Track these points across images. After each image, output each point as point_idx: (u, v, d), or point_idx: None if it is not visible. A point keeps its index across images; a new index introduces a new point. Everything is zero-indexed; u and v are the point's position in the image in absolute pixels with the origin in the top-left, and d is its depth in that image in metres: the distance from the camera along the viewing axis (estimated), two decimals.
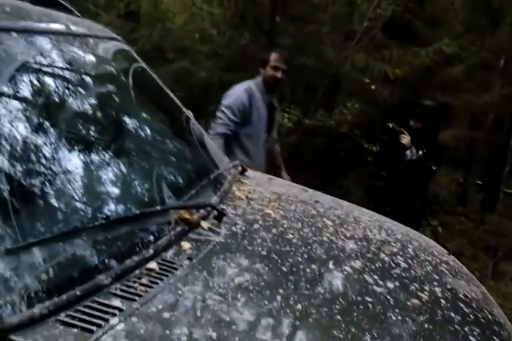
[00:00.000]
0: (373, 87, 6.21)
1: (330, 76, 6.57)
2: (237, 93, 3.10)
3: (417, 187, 3.56)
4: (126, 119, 1.59)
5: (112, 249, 1.00)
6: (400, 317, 1.15)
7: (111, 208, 1.11)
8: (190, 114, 2.10)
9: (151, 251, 1.05)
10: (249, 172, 1.99)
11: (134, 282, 0.95)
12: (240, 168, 1.91)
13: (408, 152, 3.39)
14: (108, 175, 1.22)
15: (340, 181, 7.69)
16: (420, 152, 3.39)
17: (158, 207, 1.14)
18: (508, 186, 8.18)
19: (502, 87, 7.68)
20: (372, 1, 7.75)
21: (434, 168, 3.50)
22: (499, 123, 8.83)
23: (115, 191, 1.20)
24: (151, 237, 1.10)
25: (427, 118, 3.48)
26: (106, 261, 0.96)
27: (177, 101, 2.02)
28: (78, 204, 1.04)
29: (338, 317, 1.07)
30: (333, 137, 7.12)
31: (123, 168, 1.29)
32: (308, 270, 1.24)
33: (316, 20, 7.71)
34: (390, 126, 3.46)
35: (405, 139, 3.38)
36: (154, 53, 6.48)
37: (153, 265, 1.02)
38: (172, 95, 2.02)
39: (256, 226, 1.41)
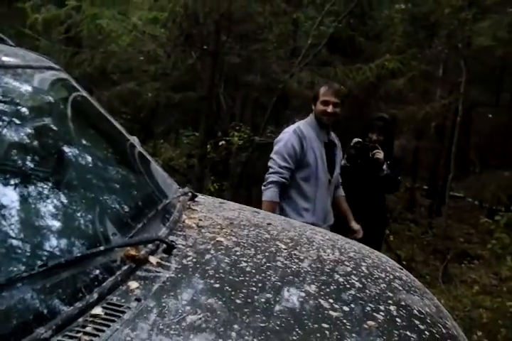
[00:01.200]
0: None
1: (277, 93, 6.67)
2: (285, 137, 2.90)
3: (384, 199, 3.63)
4: (66, 150, 1.54)
5: (52, 297, 0.93)
6: None
7: (49, 252, 1.05)
8: (135, 140, 2.05)
9: (96, 295, 0.99)
10: (200, 198, 1.96)
11: (78, 332, 0.90)
12: (189, 194, 1.88)
13: (385, 166, 3.42)
14: (46, 213, 1.16)
15: None
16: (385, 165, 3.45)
17: (102, 247, 1.09)
18: (453, 189, 8.51)
19: (441, 97, 8.01)
20: (315, 19, 7.97)
21: (399, 178, 3.59)
22: (441, 131, 9.21)
23: (54, 232, 1.14)
24: (95, 280, 1.04)
25: (388, 130, 3.55)
26: (45, 311, 0.90)
27: (121, 129, 1.97)
28: (11, 249, 0.97)
29: None
30: None
31: (62, 205, 1.23)
32: (262, 300, 1.21)
33: (262, 38, 7.84)
34: (361, 141, 3.45)
35: (380, 154, 3.38)
36: (98, 76, 6.37)
37: (98, 310, 0.96)
38: (115, 122, 1.97)
39: (208, 256, 1.38)
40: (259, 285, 1.29)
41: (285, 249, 1.59)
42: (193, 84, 7.86)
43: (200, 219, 1.67)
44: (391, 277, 1.62)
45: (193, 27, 6.15)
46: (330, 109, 2.88)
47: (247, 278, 1.31)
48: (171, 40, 6.02)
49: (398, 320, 1.31)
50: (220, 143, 6.54)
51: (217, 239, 1.52)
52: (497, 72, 10.20)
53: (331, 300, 1.30)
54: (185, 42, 6.33)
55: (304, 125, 2.93)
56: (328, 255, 1.64)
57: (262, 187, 2.86)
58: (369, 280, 1.53)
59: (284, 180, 2.82)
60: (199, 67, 7.11)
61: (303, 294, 1.30)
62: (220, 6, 5.27)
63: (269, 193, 2.80)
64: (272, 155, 2.89)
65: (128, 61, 6.68)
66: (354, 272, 1.55)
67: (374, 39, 8.86)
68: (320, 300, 1.29)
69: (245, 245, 1.54)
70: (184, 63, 6.74)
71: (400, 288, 1.55)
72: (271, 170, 2.85)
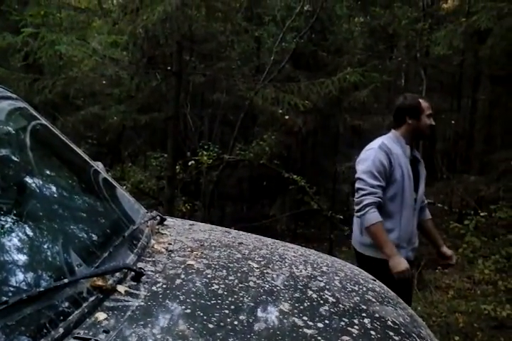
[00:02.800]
0: (287, 117, 6.42)
1: (244, 110, 6.72)
2: (371, 154, 2.65)
3: None
4: (27, 180, 1.50)
5: (14, 335, 0.90)
6: None
7: (11, 287, 1.02)
8: (100, 166, 2.03)
9: (61, 330, 0.96)
10: (169, 221, 1.94)
11: None
12: (158, 218, 1.86)
13: None
14: (7, 247, 1.13)
15: (267, 210, 7.78)
16: None
17: (66, 280, 1.06)
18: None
19: None
20: (277, 36, 8.11)
21: None
22: None
23: (16, 265, 1.10)
24: (61, 314, 1.01)
25: None
26: None
27: (83, 155, 1.94)
28: None
29: None
30: (254, 169, 7.23)
31: (24, 238, 1.20)
32: (236, 323, 1.20)
33: (225, 56, 7.92)
34: None
35: None
36: (61, 102, 6.30)
37: None
38: (77, 149, 1.94)
39: (178, 281, 1.36)
40: (232, 307, 1.27)
41: (257, 268, 1.58)
42: (159, 106, 7.85)
43: (170, 243, 1.65)
44: (364, 289, 1.63)
45: (154, 48, 6.17)
46: (433, 121, 2.75)
47: (219, 301, 1.29)
48: (133, 63, 6.01)
49: (373, 332, 1.31)
50: (190, 163, 6.51)
51: (187, 262, 1.50)
52: (456, 79, 10.53)
53: (305, 318, 1.29)
54: (148, 64, 6.34)
55: (388, 141, 2.71)
56: (301, 271, 1.64)
57: (357, 214, 2.62)
58: (342, 294, 1.53)
59: (380, 200, 2.58)
60: (164, 88, 7.11)
61: (277, 313, 1.30)
62: (181, 26, 5.31)
63: (371, 216, 2.55)
64: (360, 175, 2.63)
65: (91, 85, 6.62)
66: (327, 287, 1.55)
67: (336, 53, 9.08)
68: (294, 318, 1.28)
69: (217, 267, 1.52)
70: (148, 85, 6.73)
71: (374, 299, 1.56)
72: (363, 192, 2.58)
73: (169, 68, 6.25)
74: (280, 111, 6.33)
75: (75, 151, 1.89)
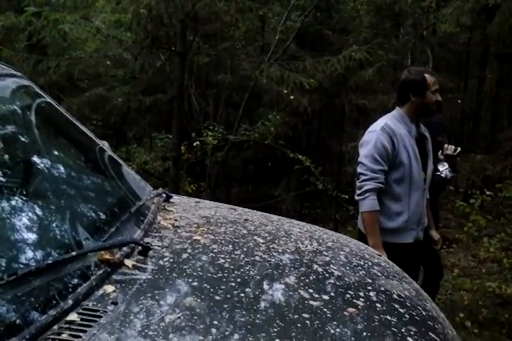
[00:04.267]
0: (292, 97, 6.37)
1: (249, 90, 6.68)
2: (373, 137, 2.54)
3: None
4: (32, 157, 1.51)
5: (25, 306, 0.92)
6: (338, 330, 1.15)
7: (21, 259, 1.03)
8: (105, 144, 2.03)
9: (70, 302, 0.98)
10: (175, 198, 1.94)
11: (53, 339, 0.88)
12: (164, 195, 1.86)
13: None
14: (16, 221, 1.14)
15: (272, 191, 7.80)
16: None
17: (74, 253, 1.07)
18: None
19: None
20: (281, 15, 7.99)
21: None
22: None
23: (25, 239, 1.11)
24: (69, 286, 1.03)
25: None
26: (18, 321, 0.88)
27: (89, 133, 1.94)
28: None
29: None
30: (259, 149, 7.21)
31: (32, 213, 1.21)
32: (242, 295, 1.21)
33: (229, 36, 7.83)
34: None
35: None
36: (66, 84, 6.28)
37: (73, 316, 0.95)
38: (83, 127, 1.94)
39: (185, 255, 1.37)
40: (238, 280, 1.29)
41: (263, 243, 1.59)
42: (163, 86, 7.81)
43: (176, 220, 1.66)
44: (369, 264, 1.63)
45: (158, 28, 6.10)
46: (439, 97, 2.61)
47: (225, 275, 1.30)
48: (137, 43, 5.96)
49: (378, 305, 1.32)
50: (195, 144, 6.51)
51: (193, 238, 1.52)
52: (463, 59, 10.39)
53: (310, 291, 1.31)
54: (152, 45, 6.28)
55: (391, 120, 2.58)
56: (307, 246, 1.65)
57: (357, 197, 2.56)
58: (348, 268, 1.54)
59: (381, 186, 2.50)
60: (168, 68, 7.06)
61: (282, 286, 1.31)
62: (184, 5, 5.24)
63: (368, 202, 2.50)
64: (361, 159, 2.55)
65: (95, 66, 6.60)
66: (333, 261, 1.56)
67: (341, 32, 8.95)
68: (300, 291, 1.30)
69: (223, 242, 1.53)
70: (152, 65, 6.68)
71: (379, 274, 1.57)
72: (364, 177, 2.51)
73: (173, 48, 6.20)
74: (285, 91, 6.29)
75: (80, 129, 1.89)
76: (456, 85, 10.26)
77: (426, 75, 2.59)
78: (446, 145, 3.32)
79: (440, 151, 3.33)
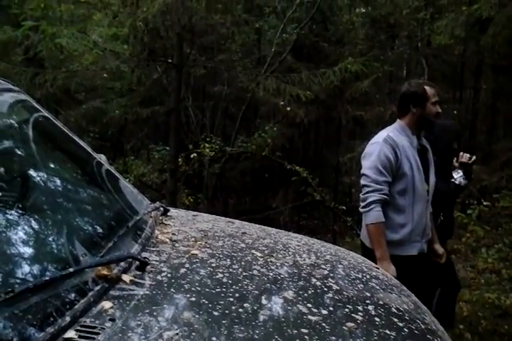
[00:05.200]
0: (288, 108, 6.40)
1: (246, 102, 6.71)
2: (376, 148, 2.55)
3: None
4: (30, 172, 1.51)
5: (22, 324, 0.91)
6: None
7: (18, 276, 1.02)
8: (102, 158, 2.03)
9: (68, 319, 0.97)
10: (173, 212, 1.94)
11: None
12: (161, 209, 1.86)
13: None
14: (13, 238, 1.14)
15: (270, 202, 7.80)
16: None
17: (71, 269, 1.06)
18: None
19: None
20: (277, 27, 8.07)
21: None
22: None
23: (22, 256, 1.11)
24: (67, 303, 1.02)
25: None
26: (16, 338, 0.87)
27: (86, 147, 1.94)
28: None
29: None
30: (257, 161, 7.22)
31: (29, 229, 1.21)
32: (241, 310, 1.20)
33: (226, 49, 7.89)
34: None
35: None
36: (63, 96, 6.30)
37: (71, 334, 0.94)
38: (80, 141, 1.94)
39: (183, 270, 1.36)
40: (237, 295, 1.28)
41: (261, 257, 1.59)
42: (161, 98, 7.84)
43: (174, 234, 1.66)
44: (368, 277, 1.63)
45: (155, 41, 6.15)
46: (439, 108, 2.64)
47: (223, 290, 1.30)
48: (134, 56, 6.00)
49: (377, 319, 1.32)
50: (192, 156, 6.52)
51: (191, 252, 1.51)
52: (458, 70, 10.47)
53: (309, 305, 1.30)
54: (149, 57, 6.32)
55: (393, 132, 2.60)
56: (305, 260, 1.64)
57: (361, 210, 2.55)
58: (346, 281, 1.53)
59: (386, 197, 2.50)
60: (165, 80, 7.10)
61: (281, 301, 1.30)
62: (181, 18, 5.28)
63: (374, 214, 2.49)
64: (365, 171, 2.55)
65: (92, 79, 6.63)
66: (331, 275, 1.55)
67: (337, 43, 9.03)
68: (298, 305, 1.29)
69: (221, 256, 1.53)
70: (149, 78, 6.72)
71: (377, 287, 1.57)
72: (368, 189, 2.51)
73: (170, 61, 6.24)
74: (282, 102, 6.32)
75: (77, 143, 1.90)
76: (452, 96, 10.33)
77: (426, 87, 2.62)
78: (461, 153, 3.33)
79: (455, 159, 3.33)
